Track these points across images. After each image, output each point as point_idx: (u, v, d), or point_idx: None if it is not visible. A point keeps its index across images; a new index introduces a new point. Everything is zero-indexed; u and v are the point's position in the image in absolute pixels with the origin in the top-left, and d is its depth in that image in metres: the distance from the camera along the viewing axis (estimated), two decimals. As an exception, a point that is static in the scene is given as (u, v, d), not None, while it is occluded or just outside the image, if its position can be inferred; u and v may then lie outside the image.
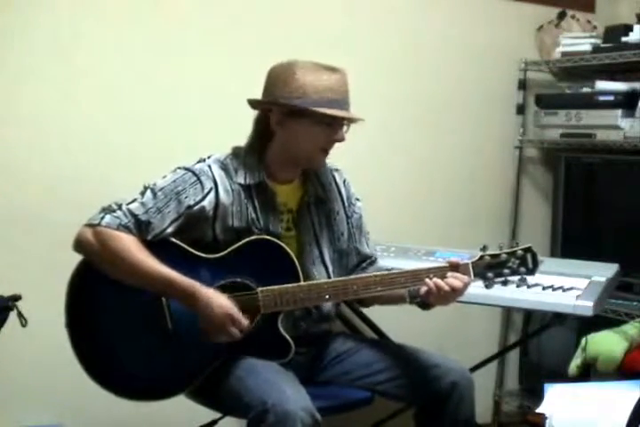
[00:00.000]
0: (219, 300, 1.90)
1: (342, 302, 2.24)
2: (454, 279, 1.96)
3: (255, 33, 2.83)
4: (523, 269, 1.99)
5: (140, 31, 2.68)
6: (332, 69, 2.01)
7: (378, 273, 2.03)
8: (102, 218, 1.94)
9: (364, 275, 2.07)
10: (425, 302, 2.05)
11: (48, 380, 2.60)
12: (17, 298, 2.08)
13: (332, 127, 2.01)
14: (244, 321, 1.91)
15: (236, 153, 2.10)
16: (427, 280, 1.96)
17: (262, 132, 2.07)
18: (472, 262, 1.98)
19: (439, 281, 1.95)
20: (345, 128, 2.04)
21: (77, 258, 2.00)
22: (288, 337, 1.99)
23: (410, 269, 2.00)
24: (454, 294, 1.96)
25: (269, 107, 2.03)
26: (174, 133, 2.73)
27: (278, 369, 1.96)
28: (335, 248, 2.17)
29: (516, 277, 2.01)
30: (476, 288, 2.03)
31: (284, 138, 2.05)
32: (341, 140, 2.04)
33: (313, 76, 1.97)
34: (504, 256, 1.99)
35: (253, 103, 2.08)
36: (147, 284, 1.93)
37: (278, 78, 2.01)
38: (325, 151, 2.06)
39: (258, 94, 2.07)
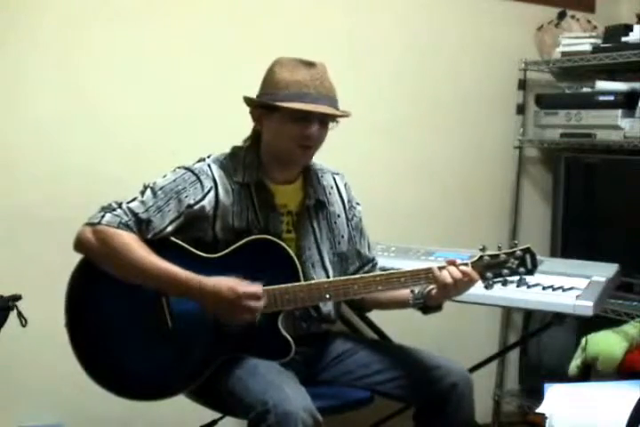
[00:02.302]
0: (225, 283, 1.89)
1: (344, 302, 2.24)
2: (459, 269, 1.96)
3: (256, 32, 2.83)
4: (522, 270, 1.99)
5: (140, 31, 2.68)
6: (310, 64, 2.00)
7: (378, 273, 2.04)
8: (102, 217, 1.94)
9: (364, 275, 2.07)
10: (427, 305, 2.05)
11: (48, 380, 2.60)
12: (17, 298, 2.08)
13: (303, 122, 1.98)
14: (256, 288, 1.89)
15: (236, 152, 2.10)
16: (434, 268, 1.95)
17: (255, 131, 2.09)
18: (471, 263, 1.98)
19: (451, 267, 1.95)
20: (317, 123, 1.98)
21: (77, 258, 2.00)
22: (289, 337, 1.99)
23: (410, 270, 2.00)
24: (464, 283, 1.95)
25: (253, 104, 2.05)
26: (175, 133, 2.73)
27: (279, 369, 1.95)
28: (335, 252, 2.17)
29: (515, 278, 2.00)
30: (476, 288, 2.03)
31: (266, 135, 2.05)
32: (313, 135, 1.99)
33: (288, 73, 1.98)
34: (503, 257, 1.99)
35: (246, 101, 2.08)
36: (149, 280, 1.92)
37: (265, 76, 2.04)
38: (303, 147, 2.02)
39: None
